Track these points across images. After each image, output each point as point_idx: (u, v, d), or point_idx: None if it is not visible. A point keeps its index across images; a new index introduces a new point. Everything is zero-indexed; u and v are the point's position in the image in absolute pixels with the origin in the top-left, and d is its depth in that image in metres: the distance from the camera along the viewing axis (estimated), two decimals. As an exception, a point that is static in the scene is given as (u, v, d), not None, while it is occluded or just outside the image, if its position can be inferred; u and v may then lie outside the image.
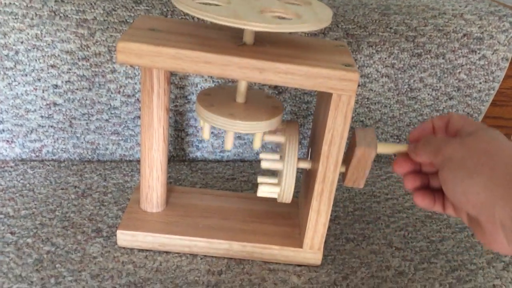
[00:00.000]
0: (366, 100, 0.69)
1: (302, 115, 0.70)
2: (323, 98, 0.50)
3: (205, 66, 0.44)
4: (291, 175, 0.50)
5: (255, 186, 0.66)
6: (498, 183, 0.36)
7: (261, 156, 0.50)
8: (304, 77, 0.44)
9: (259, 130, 0.49)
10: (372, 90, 0.69)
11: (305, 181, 0.56)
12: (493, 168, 0.37)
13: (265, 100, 0.52)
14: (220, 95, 0.52)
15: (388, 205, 0.65)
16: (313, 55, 0.47)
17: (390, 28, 0.65)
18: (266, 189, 0.51)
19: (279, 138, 0.51)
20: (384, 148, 0.48)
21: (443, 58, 0.68)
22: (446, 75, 0.69)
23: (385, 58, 0.66)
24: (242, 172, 0.69)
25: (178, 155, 0.70)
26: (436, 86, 0.70)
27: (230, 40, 0.47)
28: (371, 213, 0.63)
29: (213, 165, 0.71)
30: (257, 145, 0.50)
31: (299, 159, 0.51)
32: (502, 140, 0.39)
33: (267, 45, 0.47)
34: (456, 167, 0.39)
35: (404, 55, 0.67)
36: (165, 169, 0.54)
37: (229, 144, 0.50)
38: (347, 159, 0.49)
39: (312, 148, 0.54)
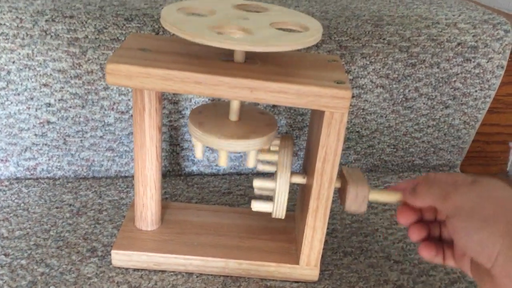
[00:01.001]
0: (361, 110, 0.69)
1: (298, 127, 0.69)
2: (317, 114, 0.49)
3: (196, 86, 0.44)
4: (284, 191, 0.49)
5: (251, 199, 0.65)
6: None
7: (255, 184, 0.50)
8: (296, 95, 0.44)
9: (252, 149, 0.48)
10: (367, 101, 0.68)
11: (301, 195, 0.56)
12: (509, 219, 0.35)
13: (259, 117, 0.51)
14: (213, 113, 0.51)
15: (386, 216, 0.65)
16: (305, 71, 0.46)
17: (384, 39, 0.65)
18: (259, 205, 0.51)
19: (272, 157, 0.50)
20: (377, 196, 0.46)
21: (437, 68, 0.67)
22: (441, 84, 0.69)
23: (379, 69, 0.66)
24: (238, 186, 0.69)
25: (174, 169, 0.70)
26: (432, 95, 0.70)
27: (222, 58, 0.46)
28: (368, 225, 0.63)
29: (209, 179, 0.70)
30: (251, 163, 0.50)
31: (293, 174, 0.50)
32: (506, 187, 0.38)
33: (258, 62, 0.47)
34: (469, 216, 0.37)
35: (398, 65, 0.66)
36: (159, 187, 0.53)
37: (223, 162, 0.49)
38: (342, 178, 0.48)
39: (306, 163, 0.54)
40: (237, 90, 0.44)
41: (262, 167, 0.52)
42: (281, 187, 0.49)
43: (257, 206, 0.50)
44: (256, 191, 0.50)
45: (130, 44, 0.47)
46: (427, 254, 0.43)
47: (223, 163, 0.49)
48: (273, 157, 0.50)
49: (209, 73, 0.43)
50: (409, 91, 0.69)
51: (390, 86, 0.67)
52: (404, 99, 0.69)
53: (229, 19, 0.45)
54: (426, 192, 0.41)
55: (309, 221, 0.50)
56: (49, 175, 0.66)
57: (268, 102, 0.44)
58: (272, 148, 0.52)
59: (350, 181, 0.47)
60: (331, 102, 0.44)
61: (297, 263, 0.52)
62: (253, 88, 0.43)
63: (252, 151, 0.49)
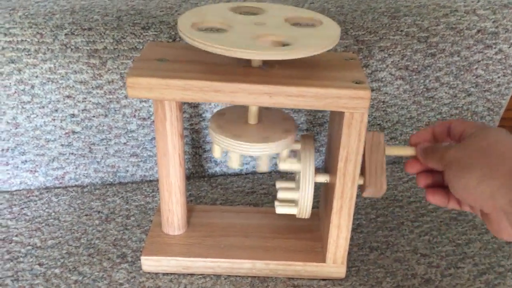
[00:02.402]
0: (382, 103, 0.68)
1: (318, 123, 0.69)
2: (336, 114, 0.49)
3: (215, 94, 0.44)
4: (308, 192, 0.49)
5: (275, 198, 0.66)
6: (495, 175, 0.40)
7: (277, 185, 0.50)
8: (315, 98, 0.44)
9: (265, 153, 0.49)
10: (387, 94, 0.68)
11: (325, 193, 0.56)
12: (489, 162, 0.40)
13: (279, 121, 0.51)
14: (234, 115, 0.52)
15: (411, 209, 0.65)
16: (323, 72, 0.46)
17: (401, 30, 0.64)
18: (284, 209, 0.51)
19: (294, 167, 0.50)
20: (393, 150, 0.49)
21: (458, 56, 0.66)
22: (462, 72, 0.68)
23: (398, 61, 0.65)
24: (261, 185, 0.70)
25: (197, 171, 0.71)
26: (453, 84, 0.69)
27: (239, 64, 0.47)
28: (394, 219, 0.63)
29: (232, 179, 0.71)
30: (263, 168, 0.50)
31: (316, 172, 0.50)
32: (501, 136, 0.42)
33: (276, 66, 0.47)
34: (455, 167, 0.42)
35: (417, 56, 0.65)
36: (184, 192, 0.54)
37: (234, 163, 0.50)
38: (363, 169, 0.48)
39: (328, 160, 0.54)
40: (255, 96, 0.44)
41: (284, 167, 0.52)
42: (305, 189, 0.49)
43: (281, 210, 0.51)
44: (279, 195, 0.51)
45: (148, 54, 0.48)
46: (432, 198, 0.47)
47: (235, 164, 0.50)
48: (295, 167, 0.50)
49: (227, 81, 0.44)
50: (430, 81, 0.68)
51: (410, 77, 0.67)
52: (425, 89, 0.68)
53: (250, 27, 0.45)
54: (430, 157, 0.46)
55: (334, 220, 0.50)
56: (77, 183, 0.68)
57: (287, 106, 0.44)
58: (292, 159, 0.52)
59: (367, 167, 0.48)
60: (351, 102, 0.44)
61: (324, 261, 0.53)
62: (272, 93, 0.44)
63: (263, 155, 0.49)
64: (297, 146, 0.51)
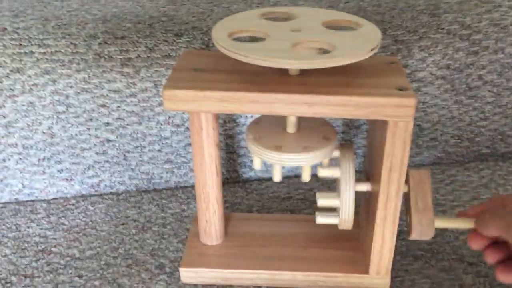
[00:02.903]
0: (421, 104, 0.66)
1: (355, 125, 0.67)
2: (377, 120, 0.47)
3: (252, 105, 0.43)
4: (350, 203, 0.48)
5: (312, 203, 0.65)
6: None
7: (318, 196, 0.49)
8: (356, 107, 0.42)
9: (306, 164, 0.47)
10: (427, 94, 0.65)
11: (366, 201, 0.54)
12: None
13: (318, 128, 0.50)
14: (270, 124, 0.50)
15: (455, 213, 0.62)
16: (364, 79, 0.45)
17: (442, 28, 0.61)
18: (324, 219, 0.50)
19: (334, 173, 0.49)
20: (446, 223, 0.46)
21: (502, 53, 0.63)
22: (507, 70, 0.65)
23: (439, 60, 0.63)
24: (297, 190, 0.68)
25: (232, 176, 0.70)
26: (497, 82, 0.65)
27: (277, 72, 0.45)
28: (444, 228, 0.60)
29: (267, 183, 0.70)
30: (306, 178, 0.49)
31: (356, 181, 0.49)
32: None
33: (314, 73, 0.45)
34: None
35: (459, 55, 0.63)
36: (221, 202, 0.53)
37: (277, 177, 0.49)
38: (408, 212, 0.47)
39: (369, 167, 0.52)
40: (294, 106, 0.42)
41: (323, 173, 0.50)
42: (346, 199, 0.48)
43: (322, 220, 0.49)
44: (320, 204, 0.49)
45: (183, 64, 0.47)
46: (505, 277, 0.43)
47: (277, 177, 0.49)
48: (334, 173, 0.49)
49: (265, 91, 0.42)
50: (472, 79, 0.65)
51: (452, 76, 0.64)
52: (467, 88, 0.65)
53: (287, 34, 0.43)
54: (491, 224, 0.42)
55: (377, 230, 0.48)
56: (112, 191, 0.68)
57: (327, 116, 0.43)
58: (332, 165, 0.50)
59: (413, 212, 0.46)
60: (395, 111, 0.42)
61: (366, 272, 0.51)
62: (311, 103, 0.42)
63: (306, 166, 0.48)
64: (337, 153, 0.50)
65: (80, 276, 0.54)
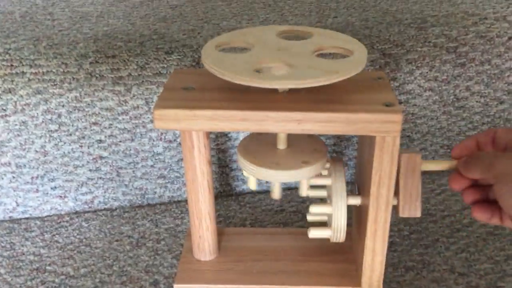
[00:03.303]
0: (411, 115, 0.67)
1: (346, 137, 0.68)
2: (366, 136, 0.48)
3: (242, 123, 0.43)
4: (342, 216, 0.48)
5: (305, 216, 0.65)
6: None
7: (311, 209, 0.50)
8: (344, 123, 0.43)
9: (305, 177, 0.48)
10: (416, 105, 0.66)
11: (357, 213, 0.55)
12: None
13: (307, 141, 0.51)
14: (260, 142, 0.51)
15: (446, 223, 0.63)
16: (351, 95, 0.45)
17: (429, 42, 0.62)
18: (317, 232, 0.50)
19: (325, 181, 0.49)
20: (431, 165, 0.47)
21: (489, 64, 0.64)
22: (494, 81, 0.66)
23: (427, 73, 0.64)
24: (290, 202, 0.69)
25: (225, 190, 0.70)
26: (484, 93, 0.66)
27: (266, 90, 0.46)
28: (428, 235, 0.61)
29: (260, 196, 0.70)
30: (304, 192, 0.49)
31: (348, 195, 0.49)
32: None
33: (302, 90, 0.46)
34: (509, 181, 0.39)
35: (446, 67, 0.64)
36: (213, 217, 0.54)
37: (276, 194, 0.49)
38: (397, 190, 0.47)
39: (359, 180, 0.53)
40: (284, 124, 0.43)
41: (313, 193, 0.51)
42: (338, 213, 0.48)
43: (315, 233, 0.50)
44: (310, 218, 0.50)
45: (173, 83, 0.48)
46: (480, 215, 0.44)
47: (277, 195, 0.49)
48: (326, 182, 0.50)
49: (255, 109, 0.43)
50: (460, 91, 0.66)
51: (439, 88, 0.65)
52: (455, 99, 0.66)
53: (269, 51, 0.44)
54: (474, 166, 0.43)
55: (368, 244, 0.49)
56: (106, 207, 0.68)
57: (316, 132, 0.43)
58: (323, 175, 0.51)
59: (402, 194, 0.46)
60: (382, 127, 0.43)
61: (359, 285, 0.52)
62: (300, 120, 0.43)
63: (304, 180, 0.48)
64: (327, 167, 0.50)
65: (74, 295, 0.54)
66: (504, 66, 0.65)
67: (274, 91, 0.46)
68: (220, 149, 0.67)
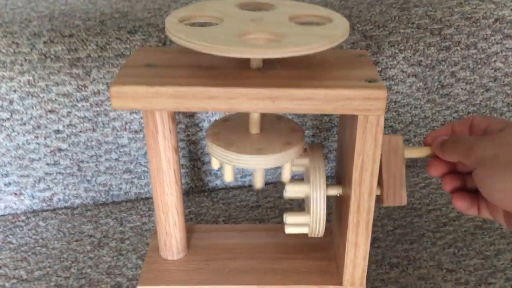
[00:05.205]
0: (393, 103, 0.63)
1: (325, 128, 0.64)
2: (348, 118, 0.44)
3: (211, 101, 0.39)
4: (321, 207, 0.44)
5: (282, 212, 0.61)
6: None
7: (287, 188, 0.45)
8: (324, 101, 0.38)
9: (290, 160, 0.43)
10: (399, 93, 0.62)
11: (337, 206, 0.50)
12: None
13: (280, 124, 0.46)
14: (231, 128, 0.46)
15: (431, 217, 0.59)
16: (331, 72, 0.41)
17: (412, 23, 0.59)
18: (293, 229, 0.46)
19: (304, 161, 0.45)
20: (412, 152, 0.44)
21: (475, 48, 0.61)
22: (480, 66, 0.62)
23: (410, 57, 0.60)
24: (266, 197, 0.64)
25: (197, 185, 0.66)
26: (470, 79, 0.63)
27: (237, 66, 0.41)
28: (413, 230, 0.57)
29: (235, 192, 0.65)
30: (287, 176, 0.45)
31: (328, 185, 0.45)
32: None
33: (278, 66, 0.42)
34: (490, 166, 0.37)
35: (431, 50, 0.60)
36: (182, 211, 0.49)
37: (259, 182, 0.45)
38: (380, 178, 0.43)
39: (340, 170, 0.48)
40: (257, 102, 0.38)
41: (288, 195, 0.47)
42: (316, 205, 0.44)
43: (291, 230, 0.45)
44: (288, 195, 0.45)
45: (135, 60, 0.43)
46: (460, 204, 0.42)
47: (259, 183, 0.44)
48: (303, 188, 0.45)
49: (224, 86, 0.38)
50: (445, 77, 0.62)
51: (424, 74, 0.61)
52: (439, 86, 0.63)
53: (244, 23, 0.40)
54: (452, 149, 0.41)
55: (350, 237, 0.44)
56: (66, 205, 0.62)
57: (292, 112, 0.39)
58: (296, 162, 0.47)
59: (385, 179, 0.43)
60: (365, 104, 0.38)
61: (341, 283, 0.47)
62: (275, 97, 0.38)
63: (287, 164, 0.44)
64: (303, 161, 0.46)
65: (25, 300, 0.49)
66: (490, 50, 0.62)
67: (246, 68, 0.41)
68: (191, 140, 0.62)
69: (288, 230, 0.46)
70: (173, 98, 0.38)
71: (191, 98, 0.39)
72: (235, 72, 0.41)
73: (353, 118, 0.40)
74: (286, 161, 0.44)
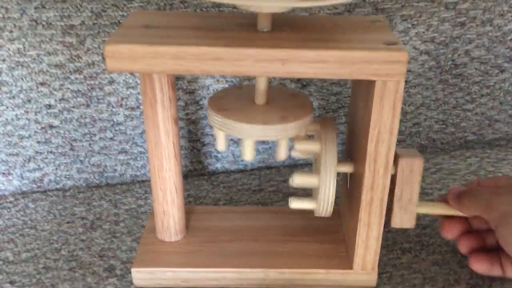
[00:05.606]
0: (404, 83, 0.60)
1: (332, 108, 0.61)
2: (362, 87, 0.41)
3: (215, 64, 0.35)
4: (330, 184, 0.41)
5: (286, 196, 0.57)
6: None
7: (295, 179, 0.42)
8: (338, 64, 0.35)
9: (283, 136, 0.40)
10: (410, 71, 0.59)
11: (347, 187, 0.47)
12: None
13: (290, 99, 0.43)
14: (235, 97, 0.43)
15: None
16: (346, 35, 0.38)
17: (426, -4, 0.56)
18: (299, 203, 0.43)
19: (313, 147, 0.42)
20: (426, 208, 0.43)
21: (490, 25, 0.58)
22: (495, 45, 0.59)
23: (423, 32, 0.57)
24: (270, 181, 0.61)
25: (196, 168, 0.62)
26: (485, 59, 0.60)
27: (243, 29, 0.38)
28: (425, 215, 0.54)
29: (236, 176, 0.62)
30: (282, 155, 0.41)
31: (338, 162, 0.42)
32: None
33: (286, 30, 0.38)
34: None
35: (445, 26, 0.57)
36: (181, 189, 0.46)
37: (248, 154, 0.41)
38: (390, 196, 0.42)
39: (351, 148, 0.45)
40: (265, 64, 0.35)
41: (296, 154, 0.44)
42: (326, 180, 0.41)
43: (296, 203, 0.42)
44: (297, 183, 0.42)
45: (133, 22, 0.40)
46: (478, 266, 0.41)
47: (248, 155, 0.41)
48: (313, 146, 0.42)
49: (230, 46, 0.35)
50: (459, 55, 0.59)
51: (437, 51, 0.58)
52: (453, 65, 0.60)
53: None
54: (470, 202, 0.40)
55: (363, 216, 0.41)
56: (57, 186, 0.59)
57: (304, 76, 0.36)
58: (309, 133, 0.44)
59: (396, 201, 0.42)
60: (384, 68, 0.35)
61: (350, 267, 0.44)
62: (285, 59, 0.35)
63: (283, 140, 0.41)
64: (315, 127, 0.43)
65: (12, 282, 0.45)
66: (506, 28, 0.59)
67: (254, 29, 0.38)
68: (191, 119, 0.59)
69: (294, 204, 0.42)
70: (174, 59, 0.35)
71: (194, 60, 0.35)
72: (242, 34, 0.37)
73: (369, 85, 0.37)
74: (280, 137, 0.40)
